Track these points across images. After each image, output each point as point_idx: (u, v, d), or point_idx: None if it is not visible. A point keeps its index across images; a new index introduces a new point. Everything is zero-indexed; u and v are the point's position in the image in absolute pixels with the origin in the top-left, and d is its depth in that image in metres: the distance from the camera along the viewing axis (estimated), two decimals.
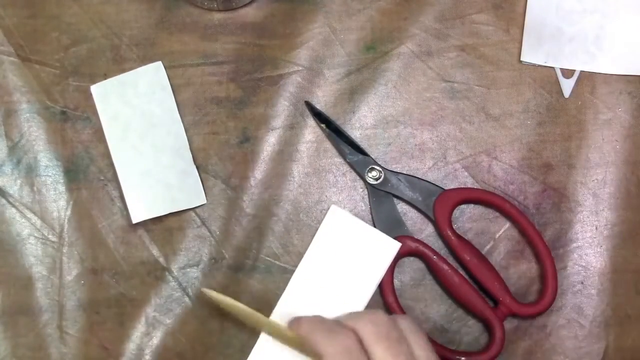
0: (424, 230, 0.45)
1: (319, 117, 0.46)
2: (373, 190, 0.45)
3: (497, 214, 0.45)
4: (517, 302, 0.43)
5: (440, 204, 0.44)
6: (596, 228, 0.45)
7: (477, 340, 0.44)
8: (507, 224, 0.45)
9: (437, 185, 0.45)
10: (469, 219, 0.45)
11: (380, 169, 0.45)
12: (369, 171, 0.45)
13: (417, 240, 0.44)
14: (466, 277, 0.44)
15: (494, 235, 0.45)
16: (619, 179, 0.45)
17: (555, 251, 0.45)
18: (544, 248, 0.43)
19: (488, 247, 0.45)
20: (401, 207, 0.45)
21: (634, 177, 0.45)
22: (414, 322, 0.37)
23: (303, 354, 0.38)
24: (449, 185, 0.45)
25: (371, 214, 0.45)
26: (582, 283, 0.45)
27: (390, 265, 0.43)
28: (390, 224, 0.45)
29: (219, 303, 0.40)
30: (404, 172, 0.45)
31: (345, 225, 0.44)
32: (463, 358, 0.42)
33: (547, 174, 0.45)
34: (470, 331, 0.44)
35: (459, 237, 0.44)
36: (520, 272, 0.45)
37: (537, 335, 0.44)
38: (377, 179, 0.45)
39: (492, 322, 0.43)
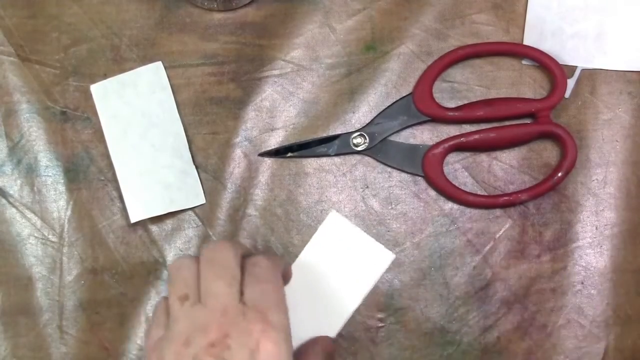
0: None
1: (278, 153, 0.45)
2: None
3: (497, 213, 0.45)
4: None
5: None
6: (596, 228, 0.45)
7: (478, 340, 0.44)
8: (507, 224, 0.45)
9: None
10: (468, 219, 0.45)
11: (365, 135, 0.45)
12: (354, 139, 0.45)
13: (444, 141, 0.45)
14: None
15: (494, 235, 0.45)
16: (619, 179, 0.45)
17: (555, 251, 0.45)
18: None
19: (488, 247, 0.45)
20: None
21: (634, 177, 0.45)
22: (272, 268, 0.35)
23: None
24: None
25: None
26: (582, 283, 0.45)
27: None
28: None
29: None
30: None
31: (342, 231, 0.44)
32: None
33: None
34: (470, 331, 0.44)
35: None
36: (520, 272, 0.45)
37: (537, 335, 0.44)
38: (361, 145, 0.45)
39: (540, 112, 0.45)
